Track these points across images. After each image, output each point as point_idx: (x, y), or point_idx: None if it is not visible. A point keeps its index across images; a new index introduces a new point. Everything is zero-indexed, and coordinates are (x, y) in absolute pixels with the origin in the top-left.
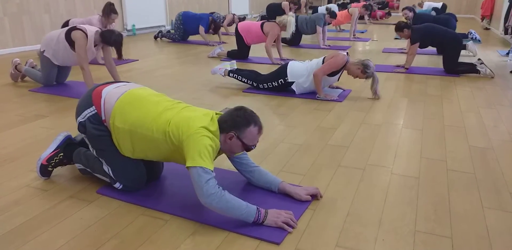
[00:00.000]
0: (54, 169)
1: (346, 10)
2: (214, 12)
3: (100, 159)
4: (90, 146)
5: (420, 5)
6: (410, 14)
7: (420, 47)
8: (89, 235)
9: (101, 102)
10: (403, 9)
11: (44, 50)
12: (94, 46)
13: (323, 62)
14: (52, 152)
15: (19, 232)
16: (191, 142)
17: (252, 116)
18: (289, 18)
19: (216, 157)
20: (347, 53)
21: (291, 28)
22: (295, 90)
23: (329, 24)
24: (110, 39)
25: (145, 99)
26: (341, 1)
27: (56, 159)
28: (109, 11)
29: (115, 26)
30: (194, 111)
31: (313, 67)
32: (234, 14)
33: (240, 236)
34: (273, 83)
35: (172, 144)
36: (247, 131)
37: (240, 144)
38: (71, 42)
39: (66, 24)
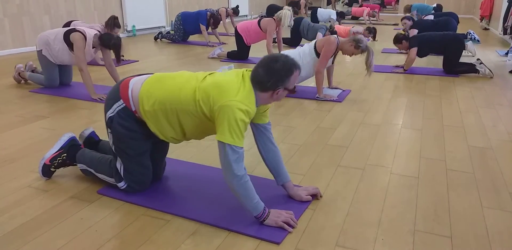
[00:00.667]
0: (56, 170)
1: (351, 26)
2: (208, 9)
3: (117, 155)
4: (111, 141)
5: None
6: (409, 23)
7: (419, 55)
8: (89, 235)
9: (129, 93)
10: (402, 19)
11: (41, 50)
12: (92, 48)
13: (314, 47)
14: (56, 152)
15: (19, 232)
16: (223, 114)
17: (291, 63)
18: (285, 11)
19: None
20: (337, 35)
21: (287, 20)
22: None
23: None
24: (109, 42)
25: (167, 76)
26: (343, 3)
27: (59, 159)
28: (112, 25)
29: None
30: (222, 75)
31: (306, 53)
32: (226, 8)
33: (241, 236)
34: None
35: (202, 113)
36: (291, 78)
37: (286, 92)
38: (69, 44)
39: (67, 25)
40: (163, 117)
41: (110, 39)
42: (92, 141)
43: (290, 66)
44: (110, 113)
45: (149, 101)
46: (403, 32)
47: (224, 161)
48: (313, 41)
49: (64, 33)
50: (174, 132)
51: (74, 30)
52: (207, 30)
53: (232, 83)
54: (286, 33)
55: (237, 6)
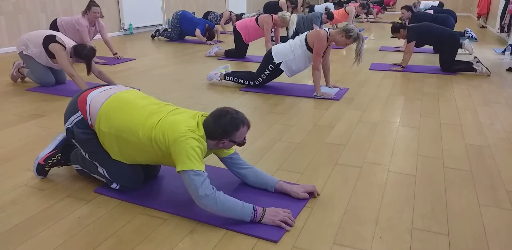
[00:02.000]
0: (51, 168)
1: (343, 8)
2: (211, 11)
3: (94, 162)
4: (82, 151)
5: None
6: (407, 13)
7: (417, 46)
8: (86, 234)
9: (87, 108)
10: (402, 8)
11: (21, 51)
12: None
13: (305, 39)
14: (50, 152)
15: (16, 231)
16: (178, 146)
17: (238, 119)
18: (292, 17)
19: (205, 156)
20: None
21: (293, 27)
22: (287, 73)
23: (325, 23)
24: (82, 53)
25: (131, 103)
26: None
27: (53, 159)
28: (88, 6)
29: (102, 22)
30: (180, 114)
31: (297, 45)
32: (231, 12)
33: (238, 235)
34: (265, 72)
35: (159, 150)
36: (237, 133)
37: (232, 143)
38: (49, 52)
39: (54, 23)
40: (116, 144)
41: (82, 50)
42: (67, 143)
43: (238, 122)
44: (68, 125)
45: (107, 124)
46: (400, 21)
47: (192, 188)
48: (304, 34)
49: (44, 38)
50: (122, 158)
51: (54, 40)
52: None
53: (186, 123)
54: (283, 32)
55: (242, 14)
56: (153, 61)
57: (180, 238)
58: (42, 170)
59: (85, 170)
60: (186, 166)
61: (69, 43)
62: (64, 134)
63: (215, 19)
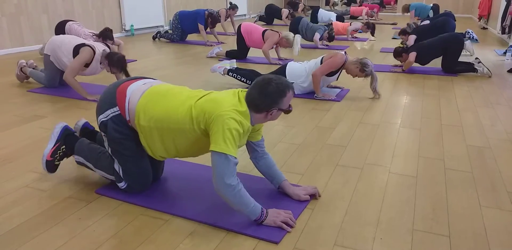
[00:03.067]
0: (61, 161)
1: (349, 23)
2: (207, 9)
3: (114, 157)
4: (106, 143)
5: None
6: (406, 37)
7: (422, 63)
8: (87, 235)
9: (126, 103)
10: (399, 34)
11: (49, 55)
12: (100, 63)
13: (321, 62)
14: (53, 146)
15: (17, 232)
16: (217, 123)
17: (283, 84)
18: (296, 37)
19: (247, 136)
20: (345, 52)
21: (297, 46)
22: (296, 91)
23: (325, 41)
24: (114, 61)
25: (166, 93)
26: (342, 3)
27: (59, 152)
28: (105, 37)
29: (119, 49)
30: (218, 93)
31: (312, 68)
32: (226, 9)
33: (239, 236)
34: None
35: (199, 129)
36: (285, 99)
37: (281, 112)
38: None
39: (61, 25)
40: (158, 135)
41: (114, 58)
42: (87, 131)
43: (284, 88)
44: (102, 117)
45: (146, 117)
46: (402, 45)
47: (218, 171)
48: (320, 57)
49: (75, 47)
50: (164, 151)
51: (84, 44)
52: (205, 30)
53: (228, 100)
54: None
55: (235, 4)
56: (154, 62)
57: (181, 239)
58: (51, 165)
59: (87, 164)
60: (219, 148)
61: (100, 48)
62: (61, 125)
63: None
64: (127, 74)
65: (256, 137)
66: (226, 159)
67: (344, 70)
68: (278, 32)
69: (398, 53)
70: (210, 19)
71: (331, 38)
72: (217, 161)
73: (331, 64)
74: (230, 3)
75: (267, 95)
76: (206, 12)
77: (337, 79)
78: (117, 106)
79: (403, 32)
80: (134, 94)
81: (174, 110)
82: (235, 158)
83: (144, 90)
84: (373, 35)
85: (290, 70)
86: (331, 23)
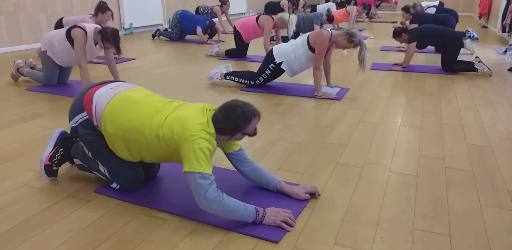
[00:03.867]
0: (59, 167)
1: (344, 8)
2: (200, 6)
3: (96, 161)
4: (85, 148)
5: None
6: (406, 15)
7: (419, 47)
8: (86, 234)
9: (92, 108)
10: (402, 9)
11: (46, 50)
12: (96, 44)
13: (307, 40)
14: (52, 150)
15: (16, 231)
16: (187, 145)
17: (249, 112)
18: (291, 17)
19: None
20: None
21: (292, 27)
22: (288, 72)
23: (325, 24)
24: (107, 33)
25: (135, 102)
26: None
27: (57, 156)
28: (102, 9)
29: (110, 24)
30: (187, 110)
31: (298, 45)
32: (219, 6)
33: (239, 235)
34: (266, 72)
35: (167, 147)
36: (249, 126)
37: (244, 135)
38: (71, 41)
39: (60, 22)
40: (124, 144)
41: (106, 31)
42: (65, 136)
43: (249, 115)
44: (72, 124)
45: (112, 125)
46: (401, 25)
47: (197, 191)
48: (306, 34)
49: (66, 31)
50: (130, 157)
51: (75, 26)
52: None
53: (195, 119)
54: (283, 31)
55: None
56: (153, 61)
57: (180, 238)
58: (50, 170)
59: (86, 166)
60: (193, 168)
61: (91, 27)
62: (59, 130)
63: (206, 11)
64: (118, 50)
65: (233, 147)
66: (202, 177)
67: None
68: (271, 16)
69: (398, 33)
70: (210, 31)
71: (330, 19)
72: (193, 181)
73: (321, 47)
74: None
75: (231, 122)
76: (207, 21)
77: (325, 57)
78: (85, 112)
79: (406, 10)
80: (101, 99)
81: (141, 125)
82: (211, 174)
83: (112, 97)
84: (367, 16)
85: (277, 51)
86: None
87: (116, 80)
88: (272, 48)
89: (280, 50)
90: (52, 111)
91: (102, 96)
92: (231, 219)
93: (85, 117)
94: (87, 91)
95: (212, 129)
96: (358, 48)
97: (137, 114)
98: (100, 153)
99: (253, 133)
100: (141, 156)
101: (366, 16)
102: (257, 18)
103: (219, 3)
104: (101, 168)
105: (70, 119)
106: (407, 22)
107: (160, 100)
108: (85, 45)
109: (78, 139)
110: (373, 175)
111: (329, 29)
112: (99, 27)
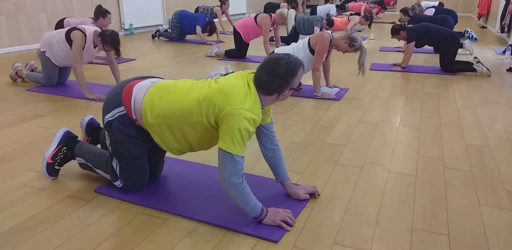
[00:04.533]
0: (61, 167)
1: (347, 18)
2: (200, 6)
3: (113, 156)
4: (108, 142)
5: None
6: (405, 17)
7: (417, 46)
8: (87, 234)
9: (131, 102)
10: (400, 11)
11: (45, 51)
12: (94, 47)
13: (308, 43)
14: (55, 148)
15: (17, 231)
16: (228, 121)
17: (294, 63)
18: (290, 12)
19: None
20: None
21: (291, 22)
22: None
23: (326, 29)
24: (106, 36)
25: (169, 87)
26: (340, 2)
27: (60, 155)
28: (102, 13)
29: (110, 26)
30: (226, 79)
31: (300, 48)
32: (219, 6)
33: (238, 234)
34: None
35: (208, 123)
36: (296, 79)
37: (292, 91)
38: (70, 43)
39: (60, 22)
40: (168, 130)
41: (106, 34)
42: (92, 126)
43: (294, 66)
44: (109, 117)
45: (153, 114)
46: (399, 23)
47: (223, 169)
48: (307, 37)
49: (66, 33)
50: (179, 144)
51: (74, 28)
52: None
53: (238, 89)
54: (283, 32)
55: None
56: (153, 61)
57: (181, 238)
58: (52, 169)
59: (88, 164)
60: (227, 148)
61: (90, 30)
62: (64, 129)
63: (205, 12)
64: (118, 53)
65: (266, 119)
66: (232, 158)
67: (335, 51)
68: (269, 14)
69: (396, 30)
70: (209, 28)
71: (330, 23)
72: (223, 159)
73: (321, 49)
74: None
75: (278, 77)
76: (207, 18)
77: (326, 59)
78: (122, 106)
79: (404, 12)
80: (139, 93)
81: (178, 103)
82: (242, 157)
83: (149, 88)
84: (370, 27)
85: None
86: (328, 14)
87: (153, 76)
88: (273, 51)
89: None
90: (52, 112)
91: (141, 89)
92: (237, 204)
93: (123, 112)
94: (125, 85)
95: (254, 91)
96: (358, 52)
97: (172, 95)
98: (121, 154)
99: (299, 87)
100: (187, 141)
101: (368, 28)
102: (255, 18)
103: (219, 4)
104: (114, 163)
105: (107, 112)
106: (406, 23)
107: (192, 82)
108: (82, 48)
109: (106, 135)
110: (372, 175)
111: (330, 32)
112: (99, 29)
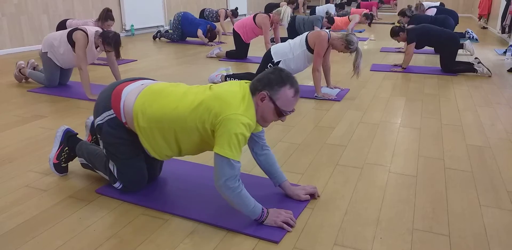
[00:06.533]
0: (68, 163)
1: (347, 17)
2: (205, 8)
3: (108, 158)
4: (101, 144)
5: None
6: (404, 19)
7: (417, 48)
8: (88, 234)
9: (121, 105)
10: (398, 14)
11: (46, 52)
12: (96, 47)
13: (306, 39)
14: (58, 149)
15: (18, 232)
16: (224, 127)
17: (288, 77)
18: (284, 8)
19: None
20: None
21: (286, 17)
22: None
23: (326, 28)
24: (108, 37)
25: (162, 91)
26: (339, 1)
27: (64, 154)
28: (105, 17)
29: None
30: (221, 86)
31: (296, 45)
32: (225, 9)
33: (239, 235)
34: None
35: (202, 129)
36: (281, 91)
37: (273, 107)
38: (73, 44)
39: (62, 24)
40: (159, 135)
41: (108, 34)
42: None
43: (285, 78)
44: (99, 120)
45: (144, 118)
46: (398, 24)
47: (219, 174)
48: (305, 34)
49: (67, 33)
50: (169, 149)
51: (76, 29)
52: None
53: (234, 95)
54: (283, 33)
55: (236, 8)
56: (154, 62)
57: (181, 238)
58: (59, 167)
59: (90, 165)
60: (224, 152)
61: (92, 30)
62: (63, 128)
63: (211, 15)
64: (118, 54)
65: (257, 127)
66: (229, 163)
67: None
68: (267, 14)
69: (395, 32)
70: (210, 35)
71: (331, 21)
72: (219, 164)
73: (320, 50)
74: (236, 8)
75: (265, 76)
76: (208, 25)
77: (324, 57)
78: (111, 110)
79: (402, 14)
80: (130, 95)
81: (171, 108)
82: (238, 162)
83: (140, 91)
84: (370, 26)
85: (274, 50)
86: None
87: (142, 78)
88: (270, 48)
89: (278, 50)
90: (53, 113)
91: (131, 92)
92: (236, 208)
93: (112, 115)
94: (114, 88)
95: (249, 98)
96: (354, 54)
97: (165, 100)
98: (116, 156)
99: (284, 111)
100: (178, 146)
101: (369, 26)
102: (254, 18)
103: (226, 7)
104: (110, 165)
105: (97, 115)
106: (406, 25)
107: (185, 86)
108: (85, 48)
109: (99, 138)
110: (372, 176)
111: (327, 31)
112: (101, 30)
